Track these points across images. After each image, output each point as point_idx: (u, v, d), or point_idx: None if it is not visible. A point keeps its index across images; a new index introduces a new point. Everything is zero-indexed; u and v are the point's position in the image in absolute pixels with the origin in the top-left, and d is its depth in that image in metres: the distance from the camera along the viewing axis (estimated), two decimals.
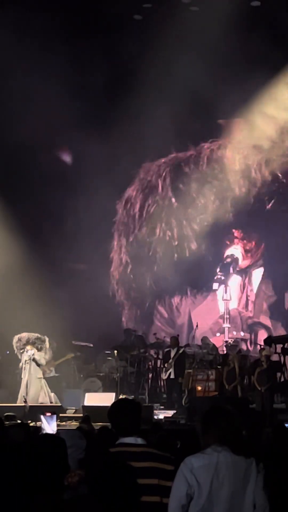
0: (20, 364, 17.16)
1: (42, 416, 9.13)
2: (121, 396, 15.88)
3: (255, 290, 22.64)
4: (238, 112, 21.09)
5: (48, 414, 9.01)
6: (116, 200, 22.76)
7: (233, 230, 22.66)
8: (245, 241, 22.68)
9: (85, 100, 19.99)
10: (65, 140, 20.74)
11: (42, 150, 20.61)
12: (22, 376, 16.96)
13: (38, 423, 10.45)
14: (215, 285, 22.21)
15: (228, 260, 22.45)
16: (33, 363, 17.06)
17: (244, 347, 21.17)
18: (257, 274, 22.73)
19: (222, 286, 22.19)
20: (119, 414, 4.50)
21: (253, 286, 22.71)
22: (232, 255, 22.53)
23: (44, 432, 8.58)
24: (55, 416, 9.13)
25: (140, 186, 22.74)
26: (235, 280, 22.68)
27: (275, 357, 17.34)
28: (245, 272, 22.78)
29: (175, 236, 22.25)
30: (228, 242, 22.81)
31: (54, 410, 10.86)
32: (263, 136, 21.33)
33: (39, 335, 17.61)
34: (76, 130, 20.02)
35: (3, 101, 19.08)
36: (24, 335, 17.53)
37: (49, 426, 8.68)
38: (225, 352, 18.76)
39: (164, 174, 22.48)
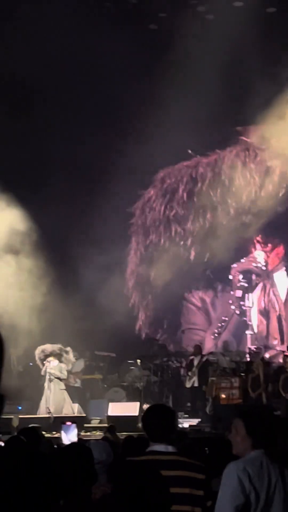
0: (43, 375, 17.20)
1: (62, 426, 9.11)
2: (145, 406, 15.84)
3: (282, 295, 22.41)
4: (260, 118, 20.95)
5: (68, 423, 8.96)
6: (133, 203, 22.71)
7: (255, 236, 22.47)
8: (267, 247, 22.52)
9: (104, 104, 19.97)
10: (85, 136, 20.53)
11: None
12: (45, 387, 17.00)
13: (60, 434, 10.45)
14: (238, 293, 22.12)
15: (252, 266, 22.34)
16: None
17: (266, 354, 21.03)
18: (280, 277, 22.52)
19: (246, 293, 22.11)
20: (153, 419, 4.45)
21: (279, 290, 22.49)
22: (255, 259, 22.37)
23: (62, 442, 8.54)
24: (74, 425, 9.06)
25: (159, 189, 22.68)
26: (258, 287, 22.53)
27: None
28: (267, 277, 22.60)
29: (195, 240, 22.07)
30: (251, 248, 22.66)
31: (76, 421, 10.84)
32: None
33: (62, 347, 17.66)
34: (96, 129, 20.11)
35: None
36: (48, 346, 17.58)
37: (67, 436, 8.62)
38: (248, 359, 18.68)
39: (184, 178, 22.41)
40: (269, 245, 22.53)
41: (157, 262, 22.05)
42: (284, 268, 22.50)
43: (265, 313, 22.36)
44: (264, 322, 22.25)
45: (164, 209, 22.47)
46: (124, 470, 3.27)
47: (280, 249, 22.46)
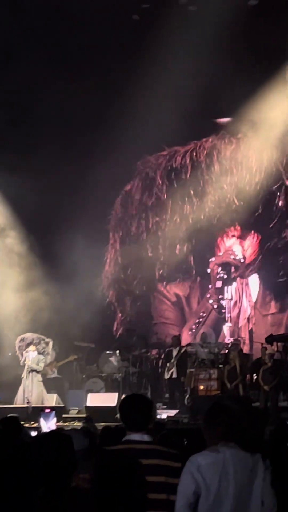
0: (22, 364, 17.19)
1: (41, 413, 9.09)
2: (124, 397, 15.86)
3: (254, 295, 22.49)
4: (241, 109, 20.96)
5: (47, 410, 8.95)
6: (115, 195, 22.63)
7: (231, 227, 22.42)
8: (244, 239, 22.51)
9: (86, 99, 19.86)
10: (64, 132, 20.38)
11: None
12: (23, 377, 16.99)
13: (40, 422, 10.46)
14: (218, 283, 22.14)
15: (230, 259, 22.35)
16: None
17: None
18: (254, 278, 22.58)
19: (225, 285, 22.14)
20: (130, 408, 4.49)
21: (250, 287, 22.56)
22: (233, 253, 22.39)
23: (42, 430, 8.53)
24: (53, 413, 9.05)
25: (138, 180, 22.62)
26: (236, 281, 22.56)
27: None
28: (245, 270, 22.62)
29: (171, 232, 22.07)
30: (225, 239, 22.61)
31: (55, 410, 10.85)
32: (267, 134, 21.21)
33: (43, 337, 17.65)
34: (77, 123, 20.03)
35: None
36: (28, 335, 17.58)
37: (46, 424, 8.61)
38: (226, 351, 18.75)
39: (162, 168, 22.37)
40: (246, 236, 22.49)
41: (135, 256, 22.02)
42: (257, 266, 22.46)
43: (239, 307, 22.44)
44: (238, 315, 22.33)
45: (142, 199, 22.42)
46: (100, 459, 3.30)
47: (256, 242, 22.41)
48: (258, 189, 21.31)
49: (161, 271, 22.36)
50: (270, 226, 21.80)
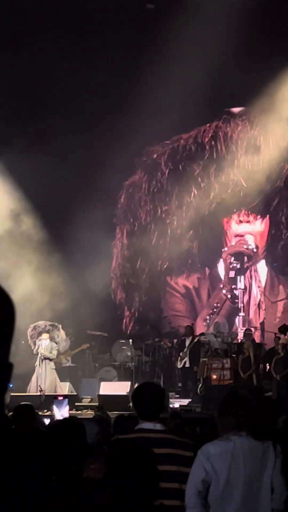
0: (35, 353, 17.22)
1: (54, 401, 9.09)
2: (136, 386, 15.88)
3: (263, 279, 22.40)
4: (253, 98, 20.86)
5: (60, 398, 8.95)
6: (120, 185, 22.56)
7: (241, 213, 22.31)
8: (253, 224, 22.37)
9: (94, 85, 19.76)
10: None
11: None
12: (36, 365, 17.02)
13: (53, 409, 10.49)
14: (231, 273, 22.08)
15: (243, 248, 22.28)
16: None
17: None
18: (262, 264, 22.49)
19: (238, 275, 22.08)
20: (143, 397, 4.49)
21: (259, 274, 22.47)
22: (246, 242, 22.30)
23: (55, 417, 8.53)
24: (66, 401, 9.06)
25: (143, 170, 22.54)
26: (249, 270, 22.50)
27: None
28: (258, 260, 22.55)
29: (178, 221, 21.99)
30: (233, 224, 22.48)
31: (69, 398, 10.88)
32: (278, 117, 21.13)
33: (55, 324, 17.70)
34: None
35: None
36: (40, 323, 17.62)
37: (59, 411, 8.61)
38: (239, 341, 18.73)
39: (167, 156, 22.29)
40: (254, 222, 22.37)
41: (143, 248, 21.97)
42: (266, 251, 22.38)
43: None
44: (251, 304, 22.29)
45: (149, 188, 22.35)
46: (113, 448, 3.30)
47: (265, 228, 22.30)
48: (266, 172, 21.22)
49: (167, 264, 22.27)
50: (278, 209, 21.73)
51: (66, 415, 8.18)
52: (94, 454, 5.00)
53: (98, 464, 4.35)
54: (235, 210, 22.01)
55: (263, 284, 22.26)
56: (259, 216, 22.17)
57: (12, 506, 1.46)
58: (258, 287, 22.20)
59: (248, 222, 22.29)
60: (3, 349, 1.47)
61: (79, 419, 7.00)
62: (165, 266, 22.29)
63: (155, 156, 22.35)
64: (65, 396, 9.21)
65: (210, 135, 21.96)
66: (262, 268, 22.37)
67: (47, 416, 10.97)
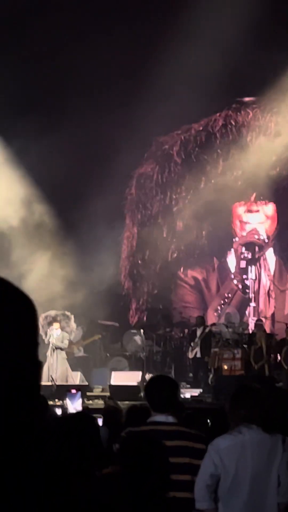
0: (46, 343, 17.27)
1: (67, 394, 9.10)
2: (147, 375, 15.92)
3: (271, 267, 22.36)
4: (266, 88, 20.77)
5: (73, 391, 8.96)
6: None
7: (250, 203, 22.25)
8: (263, 213, 22.32)
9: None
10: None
11: None
12: (47, 354, 17.07)
13: (65, 402, 10.52)
14: (242, 263, 22.06)
15: (254, 239, 22.24)
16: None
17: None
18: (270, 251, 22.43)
19: (249, 265, 22.04)
20: (155, 389, 4.50)
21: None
22: (257, 232, 22.24)
23: (68, 410, 8.55)
24: (79, 394, 9.07)
25: (153, 159, 22.49)
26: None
27: None
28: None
29: (187, 211, 21.95)
30: (243, 213, 22.42)
31: (79, 389, 10.90)
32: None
33: (67, 313, 17.72)
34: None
35: None
36: (51, 312, 17.63)
37: (72, 404, 8.63)
38: (250, 331, 18.73)
39: (178, 146, 22.24)
40: (263, 211, 22.31)
41: (152, 239, 21.94)
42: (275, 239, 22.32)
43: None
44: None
45: (159, 178, 22.30)
46: (124, 441, 3.30)
47: (274, 215, 22.23)
48: (276, 160, 21.16)
49: (176, 254, 22.25)
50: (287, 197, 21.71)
51: (79, 408, 8.20)
52: (105, 459, 5.02)
53: (110, 468, 4.36)
54: (244, 200, 21.97)
55: (271, 272, 22.23)
56: (268, 205, 22.13)
57: (12, 506, 1.46)
58: (267, 275, 22.17)
59: (257, 211, 22.25)
60: (33, 349, 1.51)
61: (91, 413, 7.02)
62: (174, 256, 22.27)
63: (166, 146, 22.30)
64: (77, 389, 9.21)
65: (220, 123, 21.92)
66: (270, 256, 22.35)
67: (58, 406, 11.01)
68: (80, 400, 8.32)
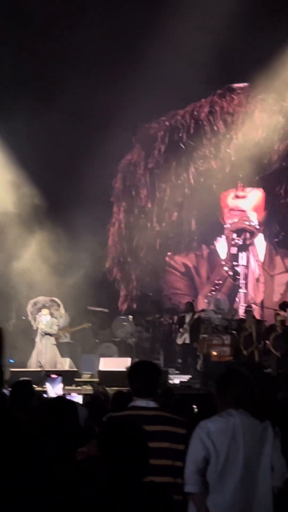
0: (35, 329, 17.26)
1: (47, 379, 9.08)
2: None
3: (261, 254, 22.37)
4: (256, 74, 20.70)
5: (54, 376, 8.94)
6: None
7: (237, 189, 22.23)
8: (249, 199, 22.29)
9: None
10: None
11: None
12: (36, 340, 17.06)
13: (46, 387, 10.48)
14: (233, 250, 22.04)
15: (245, 225, 22.20)
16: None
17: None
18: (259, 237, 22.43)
19: (240, 252, 22.02)
20: (137, 374, 4.47)
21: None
22: (248, 219, 22.21)
23: (48, 395, 8.52)
24: (60, 379, 9.04)
25: (139, 147, 22.40)
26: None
27: None
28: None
29: (175, 198, 21.91)
30: (230, 199, 22.39)
31: (68, 375, 10.87)
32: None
33: (55, 299, 17.71)
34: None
35: None
36: (40, 299, 17.64)
37: (53, 389, 8.60)
38: (240, 317, 18.74)
39: (165, 131, 22.17)
40: (252, 197, 22.29)
41: (140, 226, 21.90)
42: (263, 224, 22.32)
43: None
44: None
45: (146, 165, 22.23)
46: (104, 426, 3.28)
47: (262, 201, 22.22)
48: (262, 146, 21.12)
49: (165, 241, 22.21)
50: (275, 183, 21.67)
51: (60, 393, 8.17)
52: (84, 438, 5.00)
53: (85, 447, 4.34)
54: (232, 187, 21.94)
55: (261, 258, 22.24)
56: (256, 190, 22.11)
57: (12, 506, 1.43)
58: (256, 261, 22.17)
59: (244, 197, 22.21)
60: None
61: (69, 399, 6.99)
62: (162, 244, 22.23)
63: (152, 132, 22.22)
64: (59, 374, 9.18)
65: (206, 110, 21.85)
66: (259, 242, 22.34)
67: (46, 392, 11.00)
68: (61, 385, 8.29)
